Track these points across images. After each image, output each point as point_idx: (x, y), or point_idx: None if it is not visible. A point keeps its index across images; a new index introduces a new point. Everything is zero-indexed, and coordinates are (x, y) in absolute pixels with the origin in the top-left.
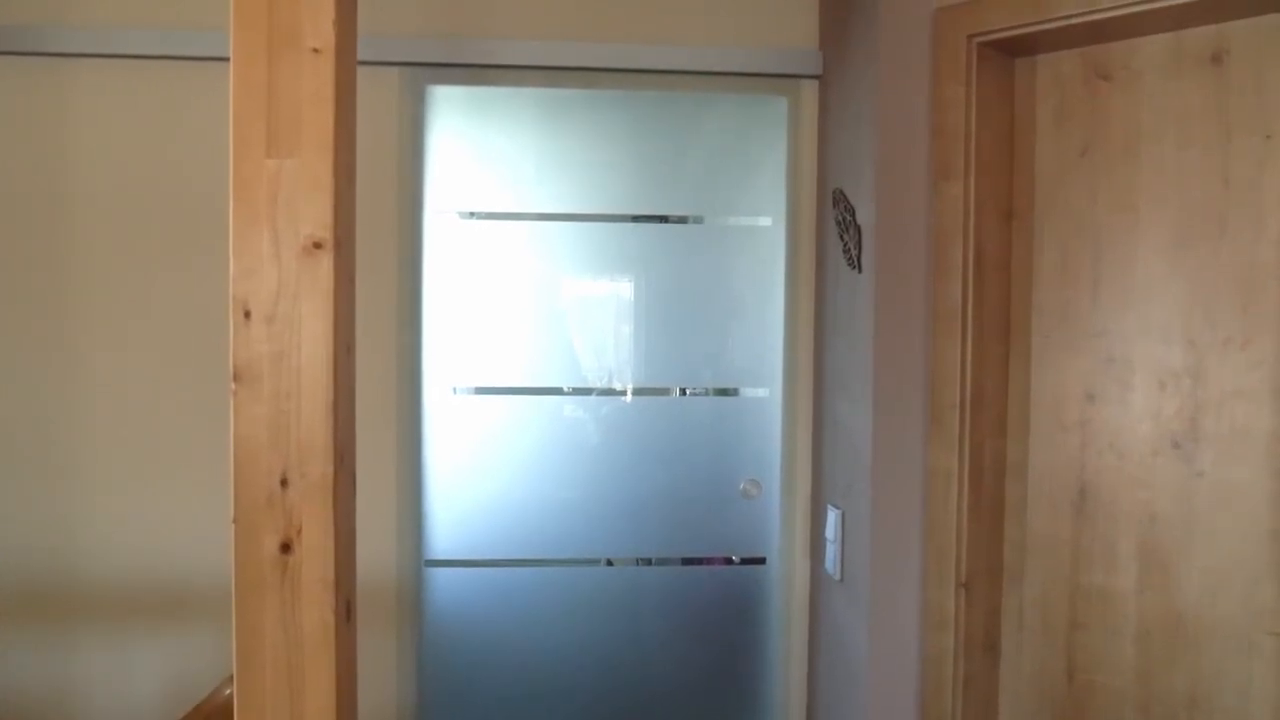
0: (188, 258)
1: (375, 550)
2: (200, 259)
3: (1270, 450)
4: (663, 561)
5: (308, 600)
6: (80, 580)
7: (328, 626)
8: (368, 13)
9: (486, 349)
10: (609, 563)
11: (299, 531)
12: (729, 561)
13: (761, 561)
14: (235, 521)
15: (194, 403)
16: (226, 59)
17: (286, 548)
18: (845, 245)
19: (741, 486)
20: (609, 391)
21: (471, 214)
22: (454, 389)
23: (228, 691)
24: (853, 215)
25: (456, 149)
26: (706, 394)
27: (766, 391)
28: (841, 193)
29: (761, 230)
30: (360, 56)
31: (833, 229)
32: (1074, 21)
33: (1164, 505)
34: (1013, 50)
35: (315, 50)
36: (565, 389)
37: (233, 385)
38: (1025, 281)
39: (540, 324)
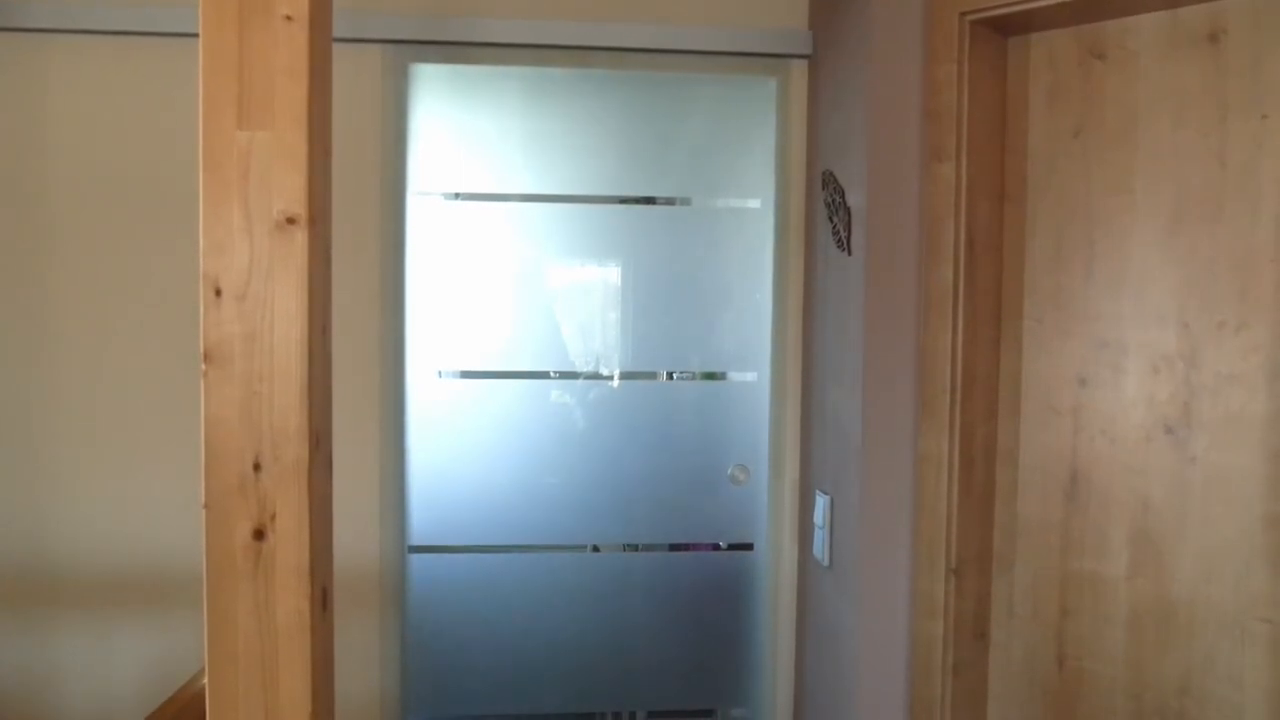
0: (164, 235)
1: (357, 536)
2: (177, 236)
3: (1264, 436)
4: (649, 548)
5: (281, 588)
6: (56, 566)
7: (302, 615)
8: None
9: (472, 332)
10: (595, 549)
11: (273, 517)
12: (716, 548)
13: (749, 548)
14: (206, 507)
15: (172, 384)
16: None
17: (259, 534)
18: (835, 228)
19: (729, 472)
20: (596, 376)
21: (456, 195)
22: (439, 373)
23: (204, 682)
24: (842, 197)
25: (441, 129)
26: (694, 379)
27: (754, 376)
28: (831, 174)
29: (750, 212)
30: (341, 33)
31: (822, 211)
32: None
33: (1157, 491)
34: (1006, 29)
35: (288, 18)
36: (552, 373)
37: (203, 366)
38: (1017, 264)
39: (526, 307)
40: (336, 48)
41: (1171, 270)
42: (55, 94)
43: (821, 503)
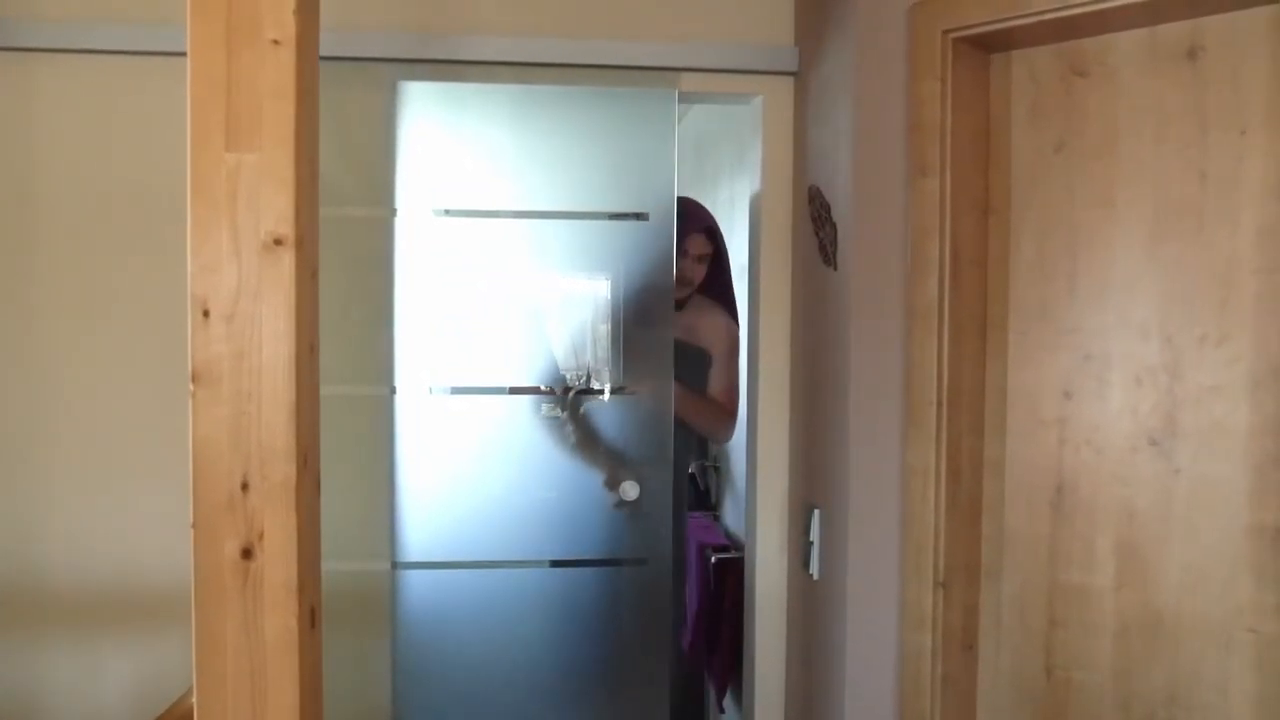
0: (152, 255)
1: (346, 553)
2: (165, 257)
3: (1247, 446)
4: (641, 560)
5: (270, 606)
6: (44, 585)
7: (291, 633)
8: (336, 7)
9: (461, 348)
10: (586, 563)
11: (260, 536)
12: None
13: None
14: (194, 526)
15: (161, 403)
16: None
17: (247, 553)
18: (821, 242)
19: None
20: (586, 390)
21: (446, 211)
22: (429, 389)
23: (192, 700)
24: (828, 212)
25: (429, 145)
26: None
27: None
28: (817, 189)
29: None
30: (328, 51)
31: (808, 226)
32: (1048, 17)
33: (1142, 502)
34: (988, 46)
35: (275, 42)
36: (542, 388)
37: (191, 386)
38: (1002, 278)
39: (516, 322)
40: (324, 65)
41: (1154, 283)
42: (43, 114)
43: (810, 515)
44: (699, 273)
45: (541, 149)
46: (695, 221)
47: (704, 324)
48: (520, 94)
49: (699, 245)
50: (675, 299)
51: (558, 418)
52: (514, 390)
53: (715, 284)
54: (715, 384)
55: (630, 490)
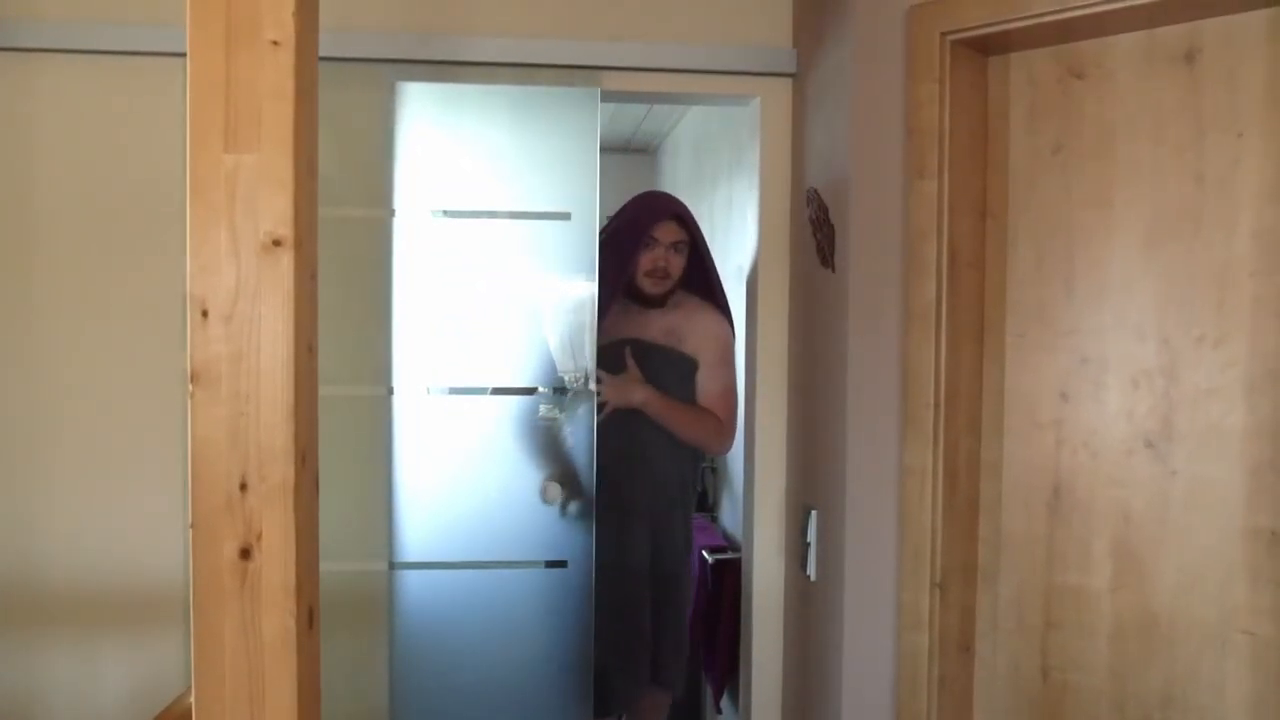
0: (152, 256)
1: (343, 554)
2: (164, 257)
3: (1243, 449)
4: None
5: (268, 607)
6: (42, 585)
7: (289, 634)
8: (334, 7)
9: (460, 348)
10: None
11: (259, 537)
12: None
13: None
14: (193, 526)
15: (159, 404)
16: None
17: (246, 553)
18: (819, 244)
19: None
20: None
21: (445, 212)
22: (427, 389)
23: (190, 700)
24: (826, 214)
25: (427, 146)
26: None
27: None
28: (815, 191)
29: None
30: (327, 51)
31: (806, 228)
32: (1046, 20)
33: (1138, 504)
34: (986, 48)
35: (275, 43)
36: (540, 389)
37: (190, 386)
38: (999, 280)
39: (514, 323)
40: (322, 66)
41: (1151, 285)
42: (43, 114)
43: (810, 518)
44: (676, 263)
45: (540, 149)
46: (661, 209)
47: (690, 325)
48: (519, 95)
49: (670, 233)
50: (655, 294)
51: (556, 418)
52: (512, 391)
53: (698, 278)
54: (705, 391)
55: (551, 491)
